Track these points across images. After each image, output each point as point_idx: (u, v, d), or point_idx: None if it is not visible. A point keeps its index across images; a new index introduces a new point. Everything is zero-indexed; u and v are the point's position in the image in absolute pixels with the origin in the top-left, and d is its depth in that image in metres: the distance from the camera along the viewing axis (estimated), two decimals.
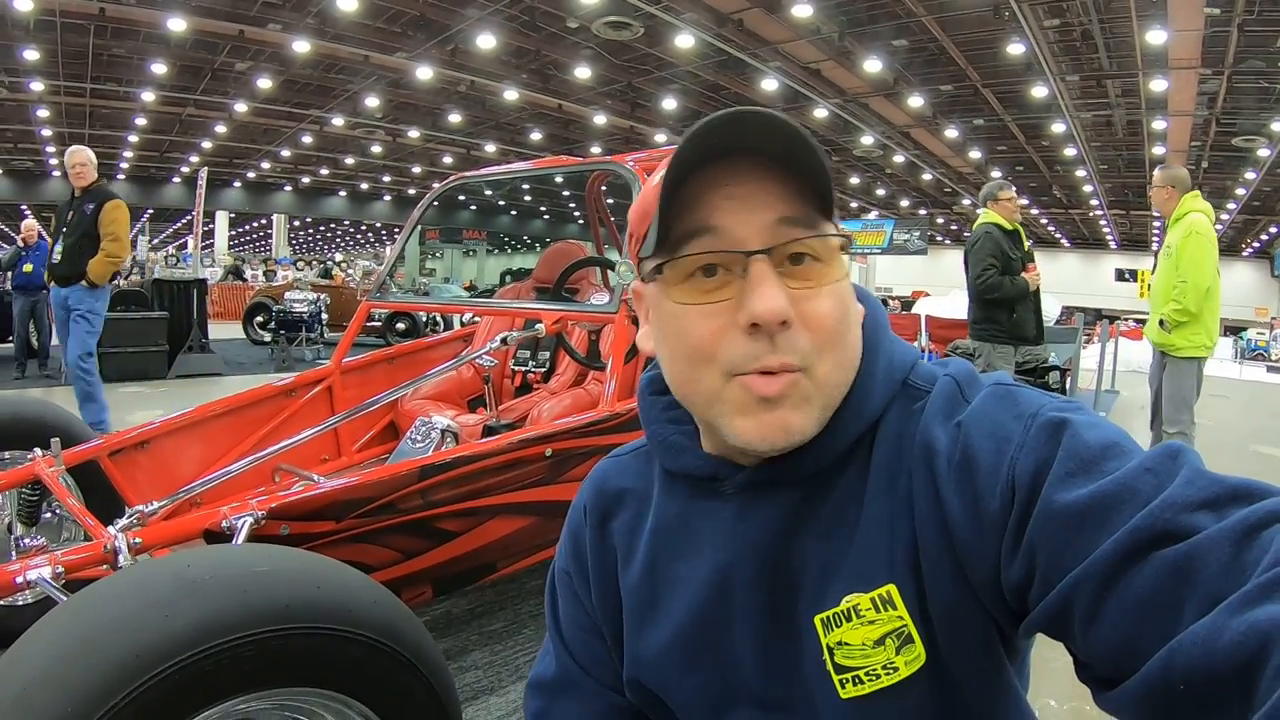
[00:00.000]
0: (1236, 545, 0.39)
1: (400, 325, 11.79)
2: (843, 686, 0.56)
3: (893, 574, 0.55)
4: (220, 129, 19.98)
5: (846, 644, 0.56)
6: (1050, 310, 11.84)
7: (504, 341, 2.40)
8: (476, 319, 3.58)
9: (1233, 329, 22.94)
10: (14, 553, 1.95)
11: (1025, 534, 0.48)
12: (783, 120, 0.53)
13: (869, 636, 0.55)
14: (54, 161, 23.44)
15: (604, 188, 3.51)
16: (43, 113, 17.81)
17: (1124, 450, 0.48)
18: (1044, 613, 0.47)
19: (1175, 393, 3.79)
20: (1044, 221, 28.23)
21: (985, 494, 0.51)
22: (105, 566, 1.44)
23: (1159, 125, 15.24)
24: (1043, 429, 0.50)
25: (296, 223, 38.81)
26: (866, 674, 0.55)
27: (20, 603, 2.00)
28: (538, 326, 2.46)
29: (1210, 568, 0.39)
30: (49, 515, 2.20)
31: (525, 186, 28.83)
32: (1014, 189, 4.36)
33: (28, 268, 7.46)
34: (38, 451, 1.99)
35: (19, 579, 1.35)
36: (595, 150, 20.84)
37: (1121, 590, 0.42)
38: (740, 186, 0.55)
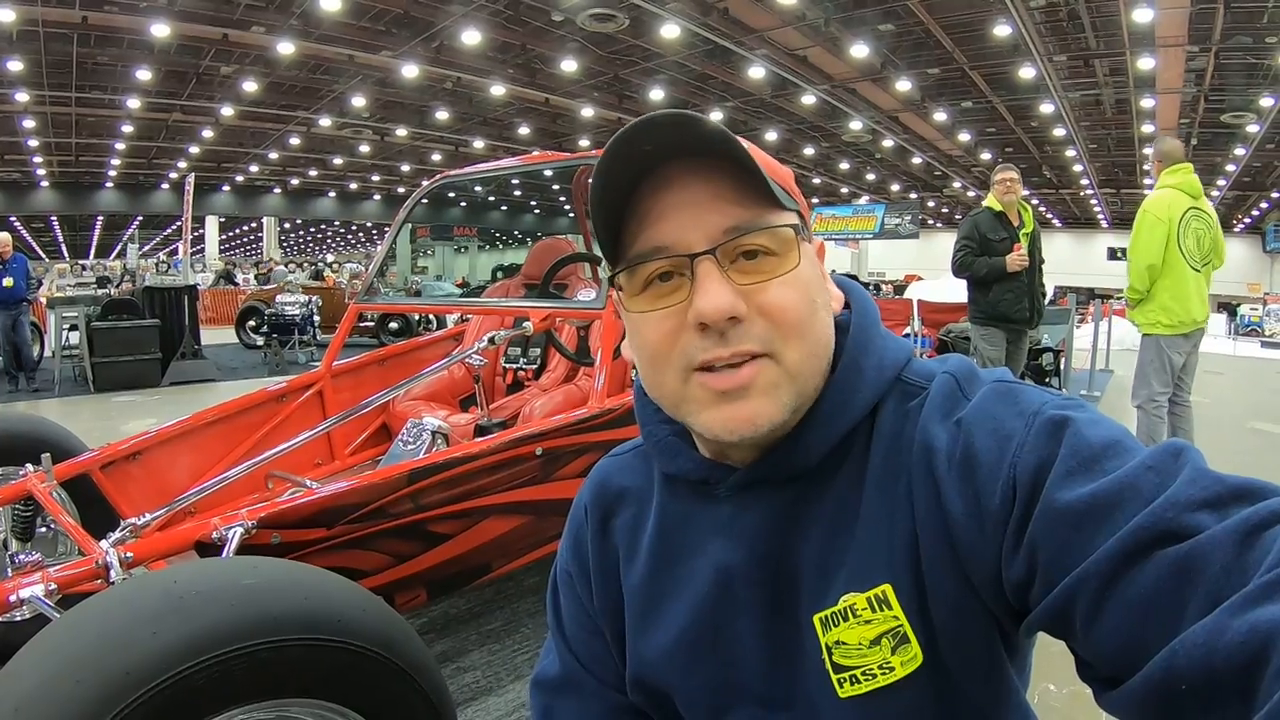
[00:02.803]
0: (1239, 545, 0.39)
1: (393, 325, 11.75)
2: (841, 686, 0.56)
3: (890, 573, 0.55)
4: (207, 133, 19.87)
5: (844, 643, 0.56)
6: None
7: (491, 341, 2.40)
8: (467, 318, 3.58)
9: (1225, 305, 22.93)
10: (9, 569, 1.95)
11: (1027, 532, 0.47)
12: (694, 115, 0.53)
13: (865, 636, 0.55)
14: (41, 172, 23.34)
15: (590, 181, 3.50)
16: (28, 123, 17.71)
17: (1126, 448, 0.48)
18: (1046, 611, 0.46)
19: (1137, 368, 3.97)
20: (1035, 202, 28.23)
21: (986, 493, 0.50)
22: (98, 581, 1.44)
23: (1147, 103, 15.22)
24: (1044, 427, 0.50)
25: (287, 225, 38.69)
26: (863, 673, 0.55)
27: (19, 618, 2.00)
28: (525, 325, 2.46)
29: (1212, 568, 0.39)
30: (44, 530, 2.19)
31: (515, 182, 28.73)
32: (1013, 171, 4.38)
33: (7, 282, 7.38)
34: (29, 467, 1.98)
35: (12, 597, 1.35)
36: (584, 143, 20.77)
37: (1123, 589, 0.42)
38: (680, 190, 0.56)
